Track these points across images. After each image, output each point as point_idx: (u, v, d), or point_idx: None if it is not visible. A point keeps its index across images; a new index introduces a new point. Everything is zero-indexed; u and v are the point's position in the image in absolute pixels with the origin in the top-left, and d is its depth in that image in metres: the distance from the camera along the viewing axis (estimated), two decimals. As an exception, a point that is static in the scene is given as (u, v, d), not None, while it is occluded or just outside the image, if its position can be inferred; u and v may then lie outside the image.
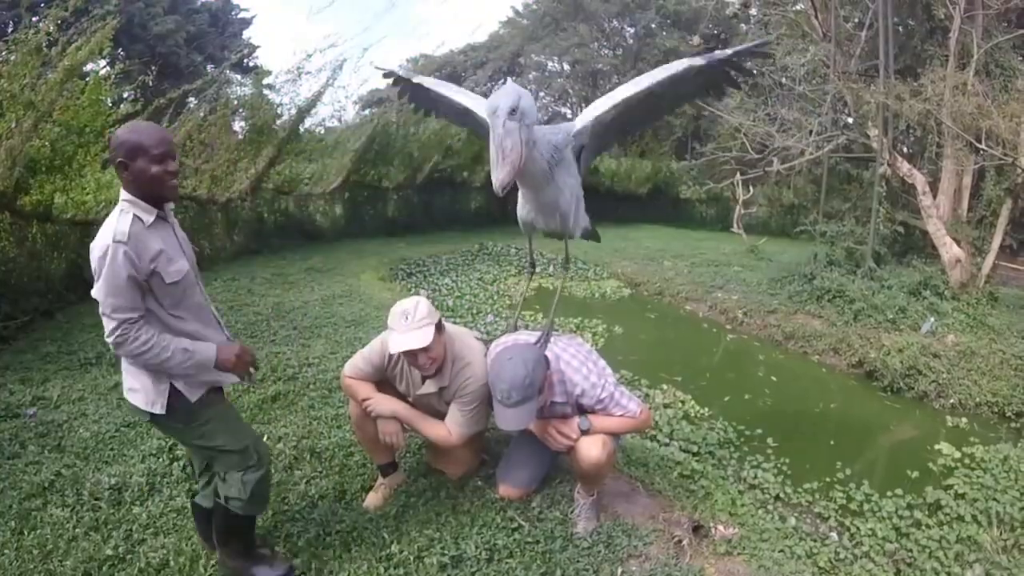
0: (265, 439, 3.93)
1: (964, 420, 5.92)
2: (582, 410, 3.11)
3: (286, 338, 6.00)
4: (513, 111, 2.49)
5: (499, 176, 2.51)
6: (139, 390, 2.42)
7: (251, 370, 2.54)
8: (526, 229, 3.36)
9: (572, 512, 3.21)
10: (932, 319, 7.67)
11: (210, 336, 2.49)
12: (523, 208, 3.24)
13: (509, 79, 2.87)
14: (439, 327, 2.96)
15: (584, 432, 3.03)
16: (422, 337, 2.85)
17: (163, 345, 2.28)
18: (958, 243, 8.96)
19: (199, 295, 2.53)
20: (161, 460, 3.65)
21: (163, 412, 2.40)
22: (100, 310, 2.26)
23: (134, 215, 2.27)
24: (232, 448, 2.53)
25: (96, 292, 2.26)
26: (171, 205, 2.48)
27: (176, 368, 2.32)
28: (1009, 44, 9.40)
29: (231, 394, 4.57)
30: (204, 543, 2.89)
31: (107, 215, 2.33)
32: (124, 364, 2.46)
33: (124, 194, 2.31)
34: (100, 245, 2.23)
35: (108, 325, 2.26)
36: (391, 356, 3.11)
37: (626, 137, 3.39)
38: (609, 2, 27.92)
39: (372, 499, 3.28)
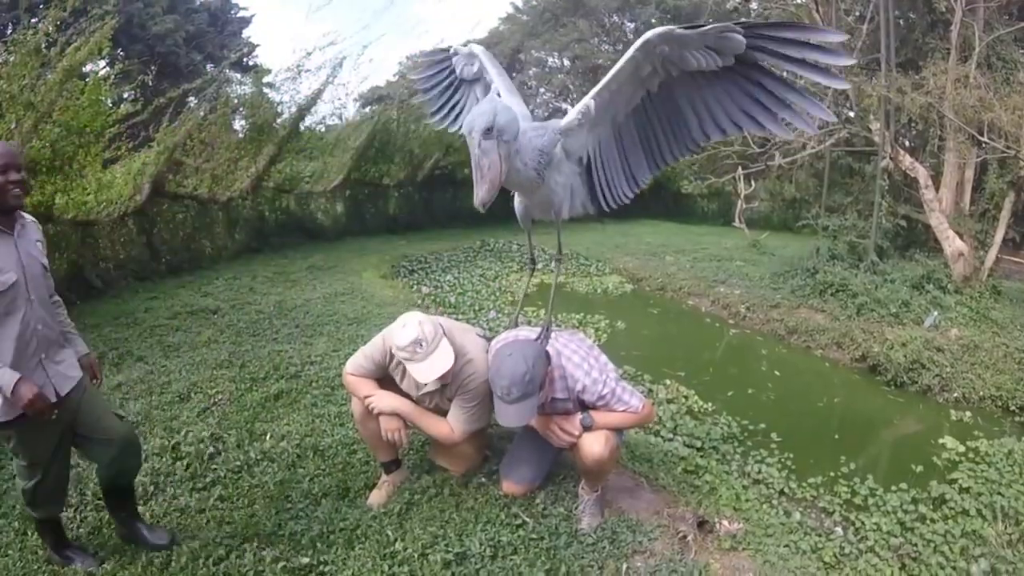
0: (268, 437, 3.95)
1: (968, 414, 5.90)
2: (584, 406, 3.10)
3: (288, 336, 6.00)
4: (488, 130, 2.47)
5: (479, 195, 2.51)
6: None
7: (43, 414, 2.42)
8: (524, 223, 3.35)
9: (576, 508, 3.20)
10: (935, 313, 7.66)
11: (22, 368, 2.43)
12: (519, 203, 3.23)
13: (492, 93, 2.77)
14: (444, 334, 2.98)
15: (586, 428, 3.02)
16: (445, 359, 2.88)
17: None
18: (961, 236, 8.94)
19: (33, 310, 2.49)
20: (164, 459, 3.65)
21: None
22: None
23: None
24: (24, 460, 2.60)
25: None
26: (28, 218, 2.59)
27: None
28: (1011, 37, 9.38)
29: (234, 393, 4.58)
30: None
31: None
32: None
33: None
34: None
35: None
36: (392, 353, 3.11)
37: (664, 157, 2.95)
38: (609, -3, 27.86)
39: (376, 496, 3.28)
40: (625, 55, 2.51)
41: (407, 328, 2.92)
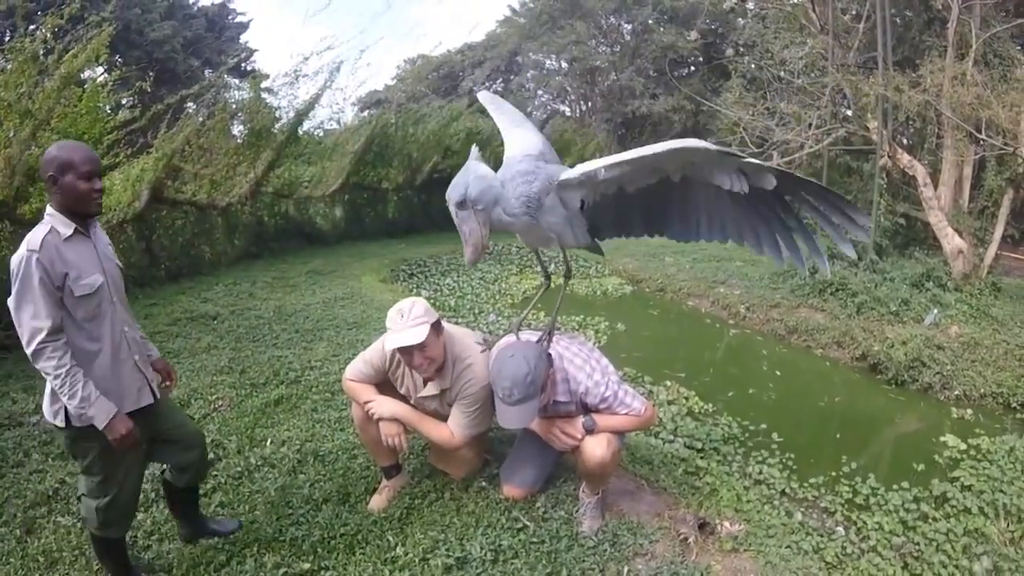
0: (268, 443, 3.94)
1: (969, 411, 5.91)
2: (586, 409, 3.10)
3: (288, 341, 6.00)
4: (461, 202, 2.61)
5: (467, 257, 2.72)
6: (46, 399, 2.46)
7: (129, 447, 2.45)
8: (529, 247, 3.37)
9: (577, 511, 3.20)
10: (935, 311, 7.66)
11: (121, 371, 2.51)
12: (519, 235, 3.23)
13: (470, 160, 2.77)
14: (437, 328, 2.96)
15: (588, 431, 3.03)
16: (417, 334, 2.85)
17: (73, 381, 2.31)
18: (960, 234, 8.94)
19: (117, 312, 2.54)
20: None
21: (63, 424, 2.42)
22: (15, 320, 2.30)
23: (51, 227, 2.37)
24: (97, 476, 2.54)
25: (11, 301, 2.30)
26: (98, 221, 2.60)
27: (72, 407, 2.34)
28: (1007, 33, 9.38)
29: (235, 398, 4.58)
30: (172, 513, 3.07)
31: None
32: None
33: (48, 208, 2.42)
34: (16, 255, 2.31)
35: (25, 334, 2.29)
36: (392, 358, 3.12)
37: (631, 228, 3.04)
38: (606, -1, 27.90)
39: (376, 501, 3.28)
40: (654, 149, 2.49)
41: (403, 301, 3.01)
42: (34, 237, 2.32)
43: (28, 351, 2.30)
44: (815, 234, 2.57)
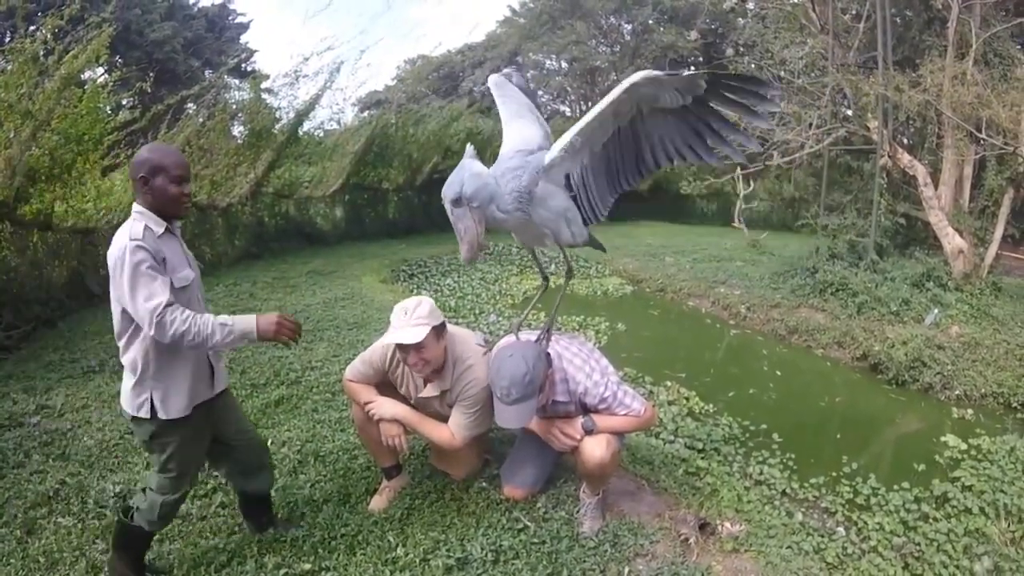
0: (269, 444, 3.93)
1: (970, 411, 5.91)
2: (586, 409, 3.10)
3: (288, 342, 5.99)
4: (456, 200, 2.63)
5: (463, 255, 2.72)
6: (126, 393, 2.52)
7: (295, 336, 2.56)
8: (526, 247, 3.37)
9: (577, 512, 3.20)
10: (936, 310, 7.65)
11: (203, 362, 2.62)
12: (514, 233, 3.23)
13: (465, 158, 2.79)
14: (440, 331, 2.96)
15: (588, 432, 3.02)
16: (415, 334, 2.85)
17: (201, 322, 2.33)
18: (960, 234, 8.94)
19: (199, 309, 2.57)
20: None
21: (147, 416, 2.48)
22: (131, 310, 2.33)
23: (145, 224, 2.40)
24: (172, 473, 2.59)
25: (119, 294, 2.34)
26: (179, 221, 2.63)
27: (220, 343, 2.39)
28: (1007, 33, 9.37)
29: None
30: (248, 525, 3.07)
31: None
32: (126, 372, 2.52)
33: (136, 206, 2.47)
34: (116, 249, 2.35)
35: (144, 316, 2.30)
36: (392, 358, 3.12)
37: (623, 182, 3.20)
38: (606, -1, 27.90)
39: (376, 502, 3.28)
40: (611, 95, 2.60)
41: (411, 298, 3.01)
42: (134, 229, 2.36)
43: (151, 332, 2.31)
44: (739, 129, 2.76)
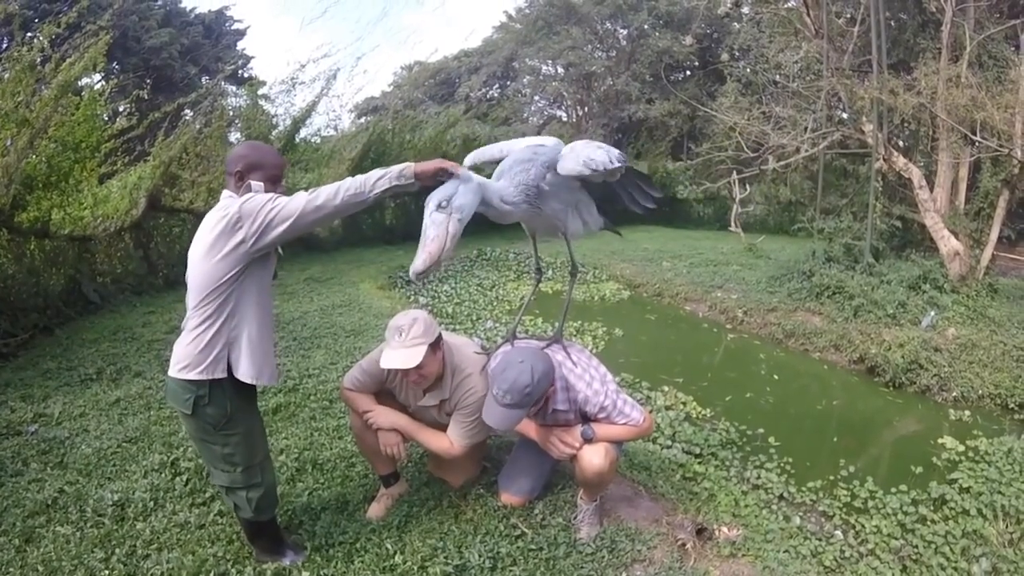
0: (267, 451, 3.94)
1: (967, 413, 5.92)
2: (585, 418, 3.11)
3: (286, 349, 6.01)
4: (441, 204, 2.54)
5: (415, 264, 2.48)
6: (188, 363, 2.48)
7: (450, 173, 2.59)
8: (530, 233, 3.37)
9: (575, 518, 3.20)
10: (932, 313, 7.67)
11: (266, 342, 2.62)
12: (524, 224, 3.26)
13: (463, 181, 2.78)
14: (436, 345, 2.96)
15: (587, 441, 3.03)
16: (411, 357, 2.85)
17: (366, 179, 2.46)
18: (956, 236, 8.96)
19: (270, 292, 2.68)
20: (163, 475, 3.65)
21: (223, 375, 2.49)
22: (285, 222, 2.40)
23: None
24: (240, 465, 2.63)
25: (244, 220, 2.39)
26: None
27: (378, 186, 2.47)
28: (1001, 35, 9.40)
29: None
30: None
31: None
32: (183, 338, 2.53)
33: (227, 193, 2.56)
34: (220, 213, 2.41)
35: (296, 206, 2.40)
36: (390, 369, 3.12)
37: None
38: (601, 4, 27.91)
39: (374, 509, 3.28)
40: (573, 172, 2.85)
41: (405, 315, 2.98)
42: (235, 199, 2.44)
43: (310, 211, 2.41)
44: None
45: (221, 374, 2.48)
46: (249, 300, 2.52)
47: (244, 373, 2.51)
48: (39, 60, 6.48)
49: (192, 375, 2.47)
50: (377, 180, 2.44)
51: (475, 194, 2.64)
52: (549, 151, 2.92)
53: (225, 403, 2.52)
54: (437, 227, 2.52)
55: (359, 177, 2.44)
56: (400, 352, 2.86)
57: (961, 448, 5.11)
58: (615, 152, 2.91)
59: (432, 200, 2.56)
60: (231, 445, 2.59)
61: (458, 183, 2.61)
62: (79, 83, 7.29)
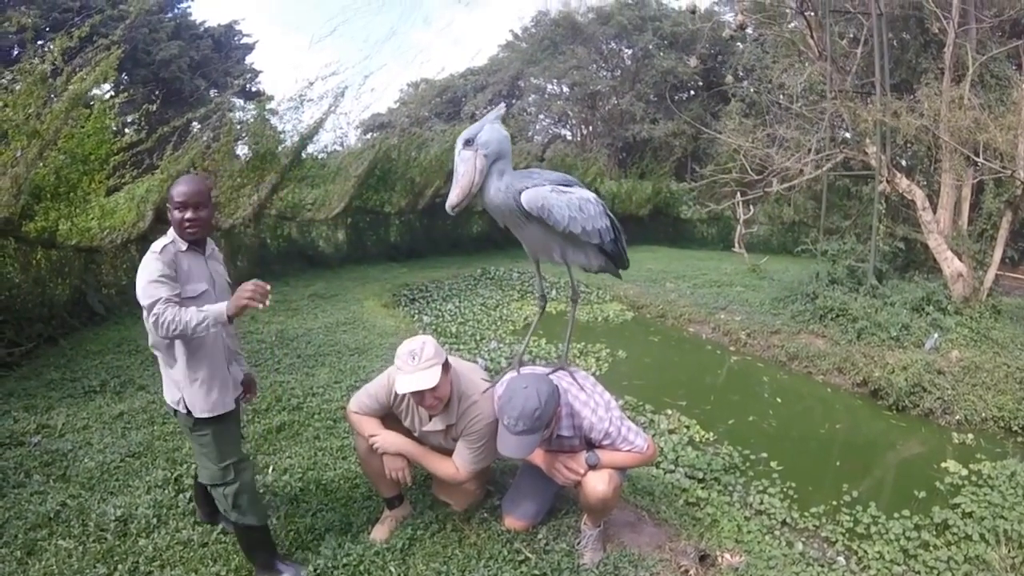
0: (271, 470, 3.95)
1: (970, 436, 5.90)
2: (589, 444, 3.12)
3: (290, 366, 6.01)
4: (468, 141, 2.80)
5: (450, 199, 2.82)
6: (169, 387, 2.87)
7: (264, 302, 2.73)
8: (532, 257, 3.41)
9: (578, 543, 3.20)
10: (936, 335, 7.66)
11: (216, 366, 2.87)
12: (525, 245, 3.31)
13: (493, 114, 2.97)
14: (446, 367, 2.98)
15: (592, 467, 3.04)
16: (429, 378, 2.87)
17: (186, 316, 2.63)
18: (959, 257, 8.95)
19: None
20: (167, 492, 3.65)
21: (185, 411, 2.82)
22: (143, 309, 2.65)
23: (170, 240, 2.81)
24: (213, 463, 2.86)
25: (138, 294, 2.68)
26: (210, 243, 3.03)
27: (201, 329, 2.66)
28: (1004, 55, 9.45)
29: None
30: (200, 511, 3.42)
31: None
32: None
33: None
34: (143, 260, 2.74)
35: (147, 315, 2.65)
36: (397, 392, 3.12)
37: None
38: (607, 24, 28.17)
39: (378, 532, 3.28)
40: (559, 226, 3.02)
41: (413, 340, 3.01)
42: (157, 244, 2.77)
43: (151, 326, 2.66)
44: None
45: (183, 410, 2.82)
46: (196, 345, 2.80)
47: (200, 411, 2.80)
48: (50, 73, 6.53)
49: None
50: (197, 325, 2.63)
51: (500, 132, 2.85)
52: (553, 177, 3.08)
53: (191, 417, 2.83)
54: (466, 163, 2.80)
55: (186, 318, 2.62)
56: (416, 375, 2.88)
57: (964, 472, 5.10)
58: (594, 226, 3.13)
59: (460, 138, 2.81)
60: (205, 445, 2.85)
61: (483, 123, 2.85)
62: (89, 94, 7.35)
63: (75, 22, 6.75)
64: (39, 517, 3.36)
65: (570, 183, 3.13)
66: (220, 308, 2.68)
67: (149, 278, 2.67)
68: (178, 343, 2.77)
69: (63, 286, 7.15)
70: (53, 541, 3.19)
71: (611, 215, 3.31)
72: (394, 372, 3.02)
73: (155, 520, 3.38)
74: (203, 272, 2.89)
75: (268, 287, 2.71)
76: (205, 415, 2.81)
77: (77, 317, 6.97)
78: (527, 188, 2.93)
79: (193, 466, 3.90)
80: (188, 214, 2.80)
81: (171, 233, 2.83)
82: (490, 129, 2.83)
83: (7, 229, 6.25)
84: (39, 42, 7.15)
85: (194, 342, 2.78)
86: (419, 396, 2.96)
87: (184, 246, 2.82)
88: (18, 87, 6.30)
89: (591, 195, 3.19)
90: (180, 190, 2.80)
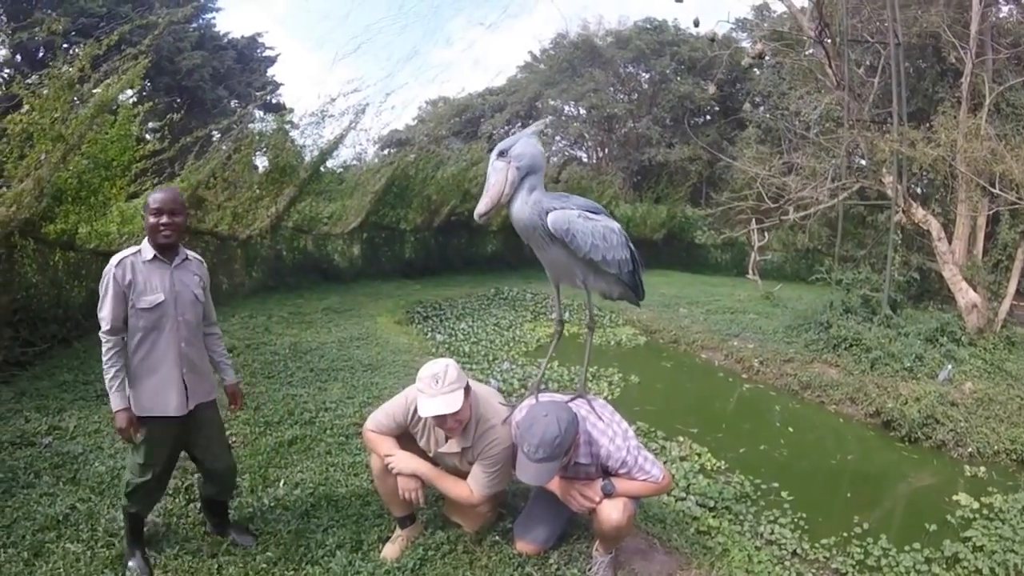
0: (282, 484, 3.94)
1: (983, 469, 5.84)
2: (606, 472, 3.11)
3: (303, 380, 6.02)
4: (503, 152, 2.88)
5: (479, 207, 2.93)
6: None
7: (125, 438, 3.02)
8: (553, 281, 3.43)
9: (589, 570, 3.19)
10: (949, 366, 7.60)
11: (169, 378, 3.04)
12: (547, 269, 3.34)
13: (533, 127, 3.04)
14: (467, 391, 2.99)
15: (607, 495, 3.03)
16: (452, 402, 2.88)
17: (108, 368, 2.93)
18: (974, 287, 8.90)
19: (179, 330, 3.07)
20: (178, 501, 3.67)
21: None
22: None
23: (139, 249, 3.02)
24: (139, 458, 3.05)
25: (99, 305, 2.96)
26: (193, 256, 3.22)
27: (108, 383, 2.94)
28: (1021, 85, 9.44)
29: (248, 436, 4.59)
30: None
31: (128, 247, 2.98)
32: None
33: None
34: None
35: (101, 328, 2.94)
36: (414, 414, 3.14)
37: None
38: (625, 48, 28.33)
39: (389, 550, 3.27)
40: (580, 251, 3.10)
41: (435, 363, 3.02)
42: (117, 256, 2.98)
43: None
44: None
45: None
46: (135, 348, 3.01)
47: (136, 409, 2.99)
48: (77, 79, 6.62)
49: None
50: (108, 379, 2.94)
51: (535, 147, 2.91)
52: (583, 203, 3.13)
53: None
54: (498, 173, 2.89)
55: (110, 367, 2.93)
56: (439, 399, 2.89)
57: (976, 505, 5.05)
58: (615, 256, 3.20)
59: (496, 148, 2.89)
60: (140, 437, 3.03)
61: (517, 137, 2.91)
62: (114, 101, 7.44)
63: (102, 28, 6.84)
64: (47, 519, 3.38)
65: (598, 211, 3.17)
66: (117, 402, 2.92)
67: (105, 294, 2.93)
68: (129, 343, 2.98)
69: (79, 288, 7.22)
70: (61, 544, 3.20)
71: (632, 247, 3.33)
72: (414, 393, 3.04)
73: (164, 528, 3.40)
74: (164, 283, 3.02)
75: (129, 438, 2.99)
76: (140, 414, 2.97)
77: (92, 319, 6.95)
78: (555, 209, 2.97)
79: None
80: (164, 219, 2.98)
81: (143, 243, 3.04)
82: (525, 143, 2.89)
83: (27, 230, 6.33)
84: (64, 46, 7.23)
85: (133, 345, 2.98)
86: (440, 419, 2.96)
87: (150, 255, 3.01)
88: (45, 91, 6.39)
89: (616, 225, 3.23)
90: (156, 197, 3.01)
